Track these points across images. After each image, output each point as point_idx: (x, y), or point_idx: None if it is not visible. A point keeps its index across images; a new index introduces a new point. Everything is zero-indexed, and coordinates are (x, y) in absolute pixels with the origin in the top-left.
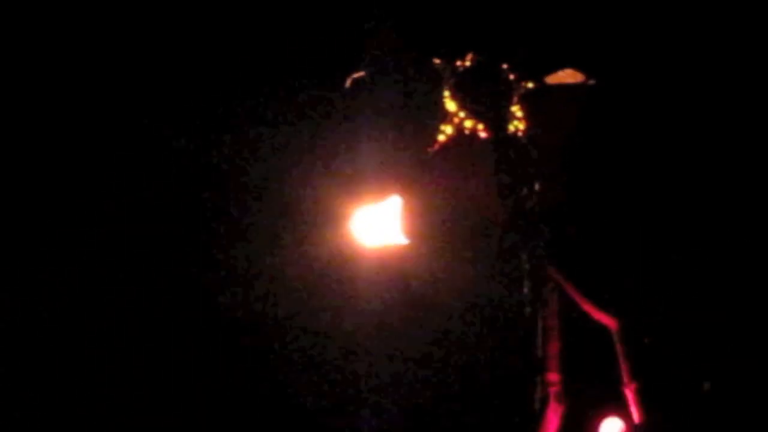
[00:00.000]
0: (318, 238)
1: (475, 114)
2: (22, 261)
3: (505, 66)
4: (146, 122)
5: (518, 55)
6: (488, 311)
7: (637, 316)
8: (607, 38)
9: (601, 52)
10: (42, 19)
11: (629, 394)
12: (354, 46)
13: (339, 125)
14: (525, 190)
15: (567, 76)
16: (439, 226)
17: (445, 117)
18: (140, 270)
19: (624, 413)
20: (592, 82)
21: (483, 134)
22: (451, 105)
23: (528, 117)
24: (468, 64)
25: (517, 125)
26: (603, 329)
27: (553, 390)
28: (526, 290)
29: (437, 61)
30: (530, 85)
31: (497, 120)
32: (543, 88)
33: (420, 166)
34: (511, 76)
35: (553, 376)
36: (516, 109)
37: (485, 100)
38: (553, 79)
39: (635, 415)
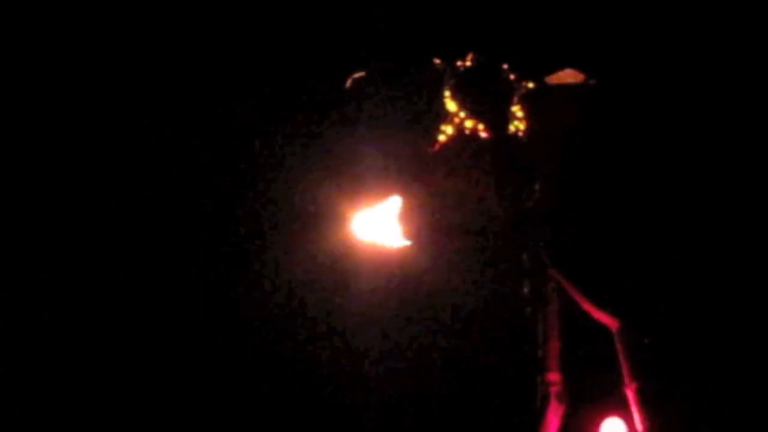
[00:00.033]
0: (318, 238)
1: (475, 114)
2: (22, 261)
3: (505, 66)
4: (146, 122)
5: (518, 55)
6: (488, 311)
7: (637, 315)
8: (607, 38)
9: (601, 53)
10: (42, 19)
11: (630, 394)
12: (354, 46)
13: (339, 125)
14: (525, 190)
15: (567, 76)
16: (439, 226)
17: (446, 117)
18: (140, 270)
19: (625, 413)
20: (592, 82)
21: (483, 134)
22: (451, 105)
23: (528, 117)
24: (468, 64)
25: (518, 125)
26: (603, 329)
27: (553, 390)
28: (526, 290)
29: (438, 61)
30: (530, 85)
31: (497, 120)
32: (543, 88)
33: (420, 166)
34: (512, 76)
35: (554, 376)
36: (516, 110)
37: (485, 101)
38: (553, 79)
39: (636, 415)
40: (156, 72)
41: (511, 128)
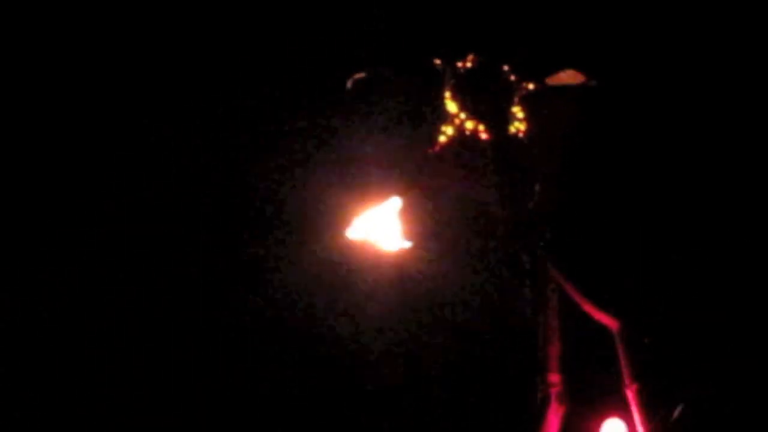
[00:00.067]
0: (318, 239)
1: (475, 115)
2: (22, 261)
3: (505, 67)
4: (146, 122)
5: (519, 55)
6: (489, 312)
7: (638, 316)
8: (607, 40)
9: (601, 54)
10: (43, 19)
11: (630, 394)
12: (355, 47)
13: (339, 126)
14: (525, 191)
15: (567, 77)
16: (439, 228)
17: (446, 118)
18: (140, 270)
19: (625, 414)
20: (592, 83)
21: (484, 135)
22: (451, 106)
23: (528, 118)
24: (469, 65)
25: (518, 126)
26: (604, 330)
27: (554, 391)
28: (526, 291)
29: (438, 62)
30: (531, 86)
31: (498, 121)
32: (543, 90)
33: (421, 168)
34: (512, 77)
35: (554, 377)
36: (517, 110)
37: (486, 102)
38: (553, 80)
39: (636, 416)
40: (156, 72)
41: (512, 129)
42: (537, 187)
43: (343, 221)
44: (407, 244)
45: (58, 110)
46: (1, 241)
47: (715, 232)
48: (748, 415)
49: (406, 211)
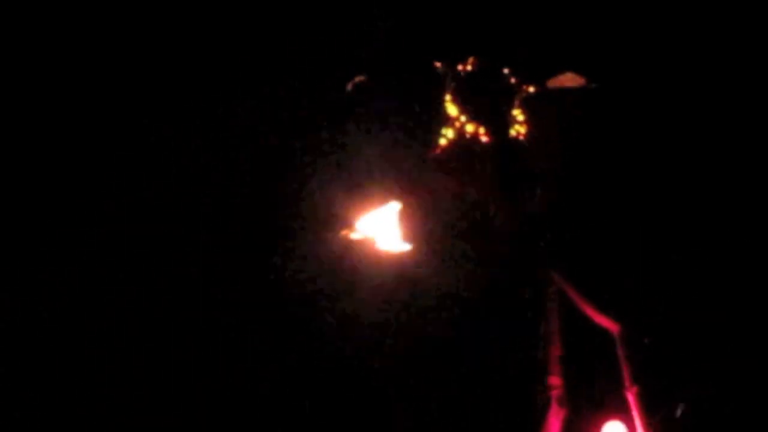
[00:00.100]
0: (318, 242)
1: (476, 118)
2: (22, 261)
3: (506, 70)
4: (146, 122)
5: (519, 58)
6: (490, 315)
7: (638, 316)
8: (607, 42)
9: (602, 56)
10: (42, 20)
11: (631, 397)
12: (356, 50)
13: (340, 129)
14: (526, 194)
15: (568, 80)
16: (439, 230)
17: (447, 121)
18: (140, 270)
19: (625, 417)
20: (592, 85)
21: (484, 138)
22: (452, 109)
23: (529, 121)
24: (469, 68)
25: (518, 129)
26: (604, 333)
27: (554, 393)
28: (527, 294)
29: (439, 65)
30: (531, 89)
31: (498, 124)
32: (544, 92)
33: (421, 170)
34: (512, 80)
35: (555, 380)
36: (517, 113)
37: (486, 104)
38: (553, 83)
39: (637, 419)
40: (157, 73)
41: (512, 132)
42: (537, 190)
43: (344, 223)
44: (407, 247)
45: (58, 110)
46: (1, 241)
47: (715, 232)
48: (748, 415)
49: (406, 214)
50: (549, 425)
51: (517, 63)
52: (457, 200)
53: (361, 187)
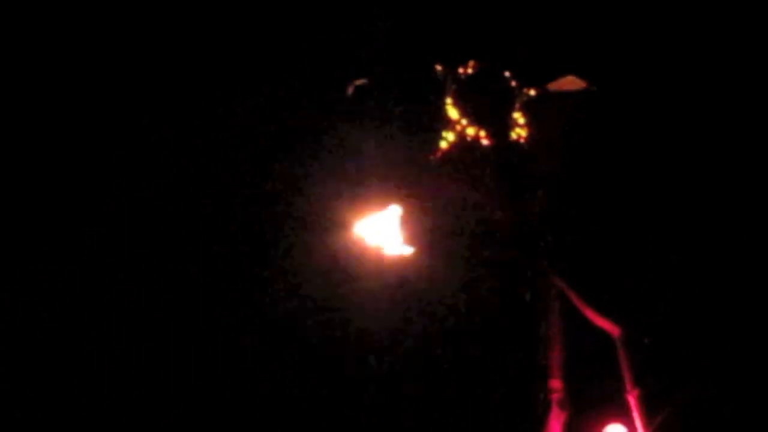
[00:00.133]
0: (320, 245)
1: (477, 121)
2: (22, 261)
3: (507, 73)
4: (146, 122)
5: (520, 62)
6: (490, 318)
7: (638, 316)
8: (608, 46)
9: (602, 60)
10: (42, 20)
11: (632, 400)
12: (356, 53)
13: (341, 132)
14: (527, 197)
15: (568, 83)
16: (440, 233)
17: (448, 124)
18: (140, 270)
19: (626, 420)
20: (593, 89)
21: (485, 141)
22: (453, 112)
23: (530, 124)
24: (470, 71)
25: (519, 132)
26: (606, 336)
27: (555, 396)
28: (528, 297)
29: (439, 68)
30: (532, 92)
31: (499, 127)
32: (545, 95)
33: (422, 173)
34: (513, 84)
35: (556, 383)
36: (518, 116)
37: (487, 108)
38: (554, 86)
39: (637, 422)
40: (158, 73)
41: (513, 135)
42: (538, 193)
43: (345, 227)
44: (408, 250)
45: (58, 111)
46: (1, 241)
47: (715, 232)
48: (748, 415)
49: (407, 217)
50: (550, 428)
51: (517, 66)
52: (458, 203)
53: (362, 190)
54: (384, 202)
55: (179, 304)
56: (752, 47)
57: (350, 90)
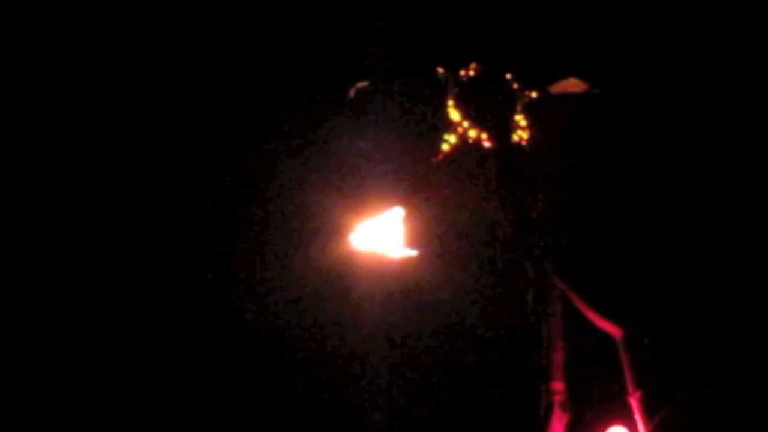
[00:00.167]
0: (321, 248)
1: (478, 123)
2: (22, 261)
3: (508, 75)
4: (146, 122)
5: (521, 64)
6: (492, 320)
7: (639, 317)
8: (609, 48)
9: (604, 62)
10: (43, 20)
11: (634, 402)
12: (358, 55)
13: (342, 135)
14: (528, 199)
15: (570, 85)
16: (442, 236)
17: (449, 127)
18: (140, 270)
19: (628, 422)
20: (595, 91)
21: (487, 143)
22: (454, 114)
23: (531, 126)
24: (472, 73)
25: (521, 134)
26: (607, 338)
27: (557, 399)
28: (530, 299)
29: (441, 70)
30: (534, 94)
31: (501, 129)
32: (546, 97)
33: (424, 176)
34: (515, 86)
35: (558, 385)
36: (519, 119)
37: (489, 110)
38: (556, 88)
39: (639, 424)
40: (158, 74)
41: (515, 137)
42: (540, 195)
43: (348, 229)
44: (411, 252)
45: (58, 111)
46: (1, 241)
47: (715, 232)
48: (748, 415)
49: (409, 220)
50: (551, 430)
51: (519, 68)
52: (460, 205)
53: (364, 193)
54: (386, 204)
55: (179, 304)
56: (753, 49)
57: (352, 92)
